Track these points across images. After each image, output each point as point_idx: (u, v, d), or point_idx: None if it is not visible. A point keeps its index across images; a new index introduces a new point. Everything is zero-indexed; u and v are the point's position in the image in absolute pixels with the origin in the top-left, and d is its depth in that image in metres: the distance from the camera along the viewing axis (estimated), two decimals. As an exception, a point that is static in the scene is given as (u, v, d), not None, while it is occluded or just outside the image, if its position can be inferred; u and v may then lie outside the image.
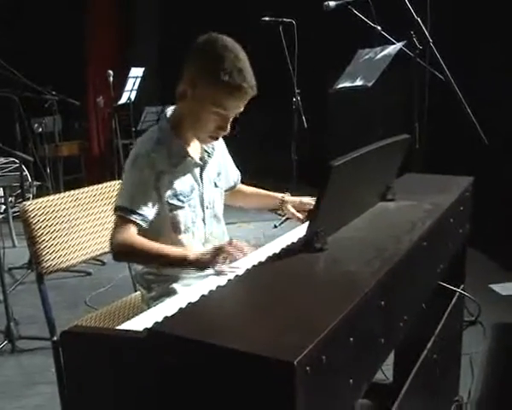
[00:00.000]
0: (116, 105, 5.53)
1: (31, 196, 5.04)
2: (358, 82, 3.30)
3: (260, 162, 6.13)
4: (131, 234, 1.54)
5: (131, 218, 1.54)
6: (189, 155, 1.65)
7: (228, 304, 1.08)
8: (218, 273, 1.42)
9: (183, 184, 1.63)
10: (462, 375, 2.21)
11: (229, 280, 1.14)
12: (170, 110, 1.69)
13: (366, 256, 1.21)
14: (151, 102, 6.26)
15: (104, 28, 6.88)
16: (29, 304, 3.18)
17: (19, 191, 4.81)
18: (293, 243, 1.37)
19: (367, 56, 3.44)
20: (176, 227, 1.63)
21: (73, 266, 1.83)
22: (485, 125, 2.62)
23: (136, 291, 1.92)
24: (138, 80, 5.72)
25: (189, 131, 1.65)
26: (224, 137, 1.73)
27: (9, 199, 4.88)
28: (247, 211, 4.33)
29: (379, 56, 3.30)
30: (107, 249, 1.81)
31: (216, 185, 1.75)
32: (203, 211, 1.69)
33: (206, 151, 1.71)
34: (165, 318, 0.97)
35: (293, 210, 1.87)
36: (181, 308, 1.00)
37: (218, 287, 1.10)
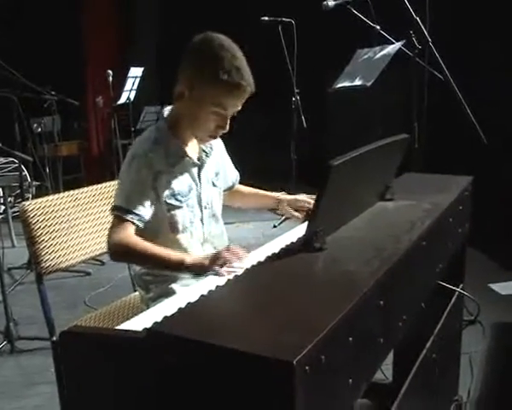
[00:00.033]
0: (115, 105, 5.52)
1: (30, 196, 5.04)
2: (357, 82, 3.29)
3: (260, 162, 6.13)
4: (128, 234, 1.53)
5: (128, 218, 1.54)
6: (187, 155, 1.64)
7: (227, 304, 1.08)
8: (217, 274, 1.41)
9: (180, 183, 1.63)
10: (461, 374, 2.21)
11: (228, 280, 1.14)
12: (167, 110, 1.69)
13: (365, 256, 1.21)
14: (150, 101, 6.26)
15: (103, 28, 6.88)
16: (28, 304, 3.18)
17: (18, 191, 4.81)
18: (292, 242, 1.37)
19: (366, 56, 3.44)
20: (174, 227, 1.63)
21: (73, 266, 1.83)
22: (485, 125, 2.62)
23: (135, 291, 1.91)
24: (137, 80, 5.72)
25: (186, 130, 1.65)
26: (224, 137, 1.73)
27: (9, 199, 4.88)
28: (246, 211, 4.33)
29: (378, 56, 3.30)
30: (106, 249, 1.81)
31: (214, 185, 1.75)
32: (201, 211, 1.69)
33: (203, 151, 1.71)
34: (165, 318, 0.97)
35: (289, 209, 1.87)
36: (180, 308, 1.00)
37: (218, 287, 1.10)
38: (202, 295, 1.06)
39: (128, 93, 5.72)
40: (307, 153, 5.45)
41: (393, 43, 3.19)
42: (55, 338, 1.66)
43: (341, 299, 0.99)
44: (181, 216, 1.63)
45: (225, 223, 1.81)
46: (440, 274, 1.64)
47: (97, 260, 3.80)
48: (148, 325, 0.94)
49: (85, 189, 1.86)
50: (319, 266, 1.22)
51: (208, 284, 1.25)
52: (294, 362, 0.77)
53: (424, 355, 1.58)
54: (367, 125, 4.86)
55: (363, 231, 1.41)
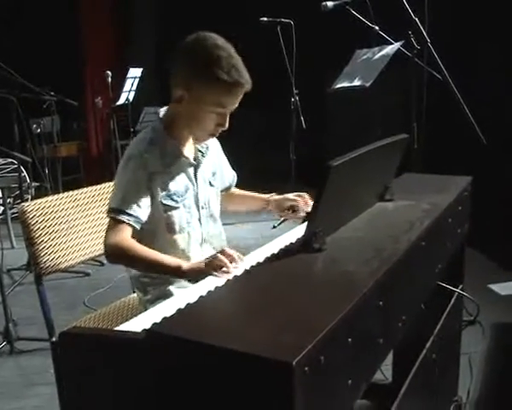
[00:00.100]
0: (114, 106, 5.52)
1: (29, 196, 5.04)
2: (356, 82, 3.29)
3: (259, 162, 6.13)
4: (125, 236, 1.52)
5: (124, 219, 1.53)
6: (183, 155, 1.64)
7: (226, 305, 1.08)
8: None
9: (177, 184, 1.63)
10: (461, 375, 2.21)
11: (227, 281, 1.14)
12: (163, 110, 1.68)
13: (364, 256, 1.21)
14: (149, 102, 6.24)
15: (102, 29, 6.88)
16: (28, 305, 3.17)
17: (17, 192, 4.81)
18: (291, 243, 1.37)
19: (365, 56, 3.43)
20: (170, 228, 1.63)
21: (72, 266, 1.83)
22: (484, 125, 2.62)
23: (134, 292, 1.91)
24: (137, 81, 5.71)
25: (183, 130, 1.64)
26: (223, 137, 1.72)
27: (8, 200, 4.88)
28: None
29: (377, 56, 3.30)
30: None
31: (211, 185, 1.74)
32: (198, 211, 1.69)
33: (199, 151, 1.71)
34: (164, 319, 0.97)
35: (277, 210, 1.87)
36: (179, 309, 1.00)
37: (217, 288, 1.10)
38: (201, 296, 1.06)
39: (127, 94, 5.71)
40: (306, 153, 5.45)
41: (392, 43, 3.19)
42: (54, 339, 1.65)
43: (341, 299, 0.99)
44: (177, 217, 1.63)
45: (224, 223, 1.81)
46: (440, 274, 1.64)
47: (96, 260, 3.79)
48: (148, 326, 0.94)
49: (85, 189, 1.86)
50: (318, 267, 1.22)
51: (207, 284, 1.25)
52: (294, 363, 0.77)
53: (424, 356, 1.58)
54: (366, 126, 4.87)
55: (363, 231, 1.41)
